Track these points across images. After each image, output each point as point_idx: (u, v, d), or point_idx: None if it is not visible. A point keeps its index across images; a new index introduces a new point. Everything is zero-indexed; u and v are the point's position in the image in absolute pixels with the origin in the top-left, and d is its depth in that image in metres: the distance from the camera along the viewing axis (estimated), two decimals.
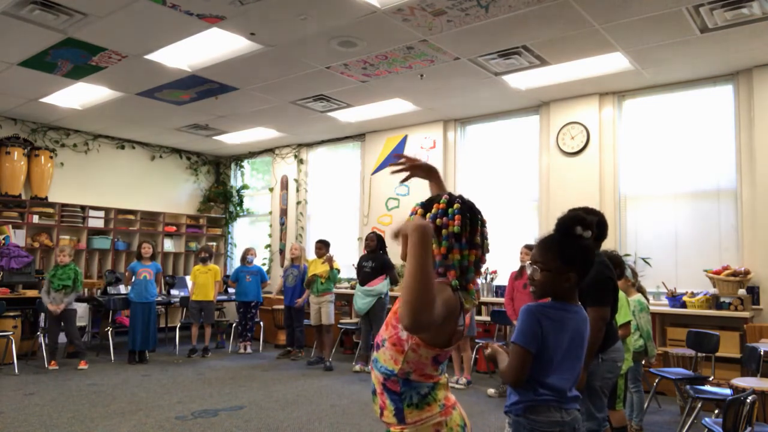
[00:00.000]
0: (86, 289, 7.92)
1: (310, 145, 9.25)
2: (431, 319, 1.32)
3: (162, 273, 7.67)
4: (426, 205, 1.62)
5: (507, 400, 1.88)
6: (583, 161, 6.43)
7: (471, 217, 1.58)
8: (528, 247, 5.38)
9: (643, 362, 4.45)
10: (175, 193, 9.82)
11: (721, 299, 5.32)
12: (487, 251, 1.63)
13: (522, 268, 5.41)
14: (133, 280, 6.80)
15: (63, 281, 6.34)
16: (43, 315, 6.58)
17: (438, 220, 1.55)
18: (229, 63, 5.52)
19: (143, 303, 6.77)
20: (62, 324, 6.37)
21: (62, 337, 6.59)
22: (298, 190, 9.28)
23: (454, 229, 1.53)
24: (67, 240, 8.08)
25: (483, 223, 1.62)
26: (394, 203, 8.03)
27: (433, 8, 4.33)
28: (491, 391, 5.47)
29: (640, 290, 4.50)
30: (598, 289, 2.66)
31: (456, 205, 1.56)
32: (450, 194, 1.62)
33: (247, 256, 7.75)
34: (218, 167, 10.51)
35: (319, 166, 9.25)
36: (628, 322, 3.54)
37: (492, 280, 6.91)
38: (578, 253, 1.84)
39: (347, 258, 8.01)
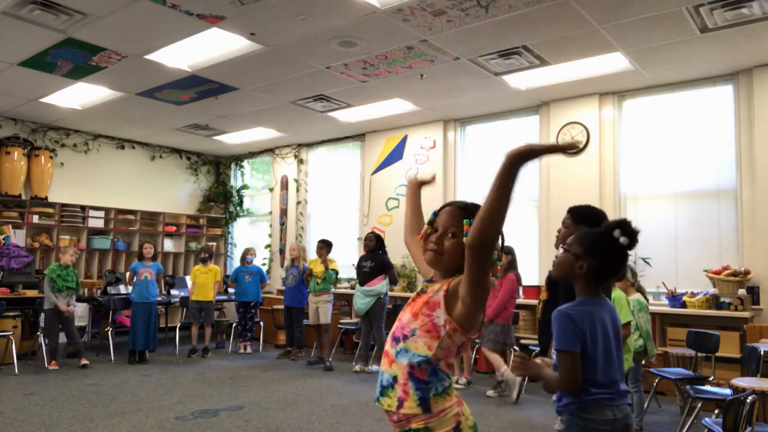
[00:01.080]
0: (86, 289, 7.93)
1: (310, 145, 9.25)
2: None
3: (163, 273, 7.67)
4: (466, 212, 1.58)
5: (558, 400, 1.92)
6: (583, 161, 6.43)
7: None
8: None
9: (643, 362, 4.46)
10: (175, 193, 9.81)
11: (721, 299, 5.31)
12: None
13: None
14: (134, 280, 6.81)
15: (68, 283, 6.35)
16: (42, 315, 6.57)
17: None
18: (229, 63, 5.52)
19: (144, 303, 6.77)
20: (61, 324, 6.36)
21: (62, 337, 6.58)
22: (298, 190, 9.28)
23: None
24: (67, 240, 8.08)
25: None
26: (394, 203, 8.03)
27: (433, 8, 4.33)
28: (491, 392, 5.47)
29: (640, 290, 4.51)
30: None
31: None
32: None
33: (246, 256, 7.75)
34: (218, 167, 10.51)
35: (319, 166, 9.25)
36: (628, 323, 3.55)
37: None
38: (599, 247, 1.90)
39: (347, 258, 8.01)
